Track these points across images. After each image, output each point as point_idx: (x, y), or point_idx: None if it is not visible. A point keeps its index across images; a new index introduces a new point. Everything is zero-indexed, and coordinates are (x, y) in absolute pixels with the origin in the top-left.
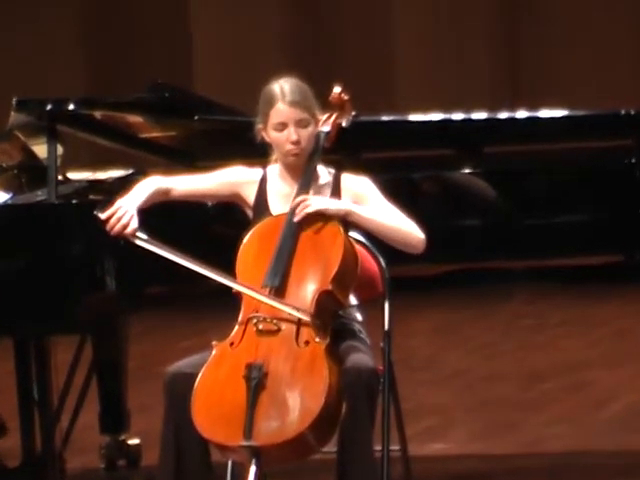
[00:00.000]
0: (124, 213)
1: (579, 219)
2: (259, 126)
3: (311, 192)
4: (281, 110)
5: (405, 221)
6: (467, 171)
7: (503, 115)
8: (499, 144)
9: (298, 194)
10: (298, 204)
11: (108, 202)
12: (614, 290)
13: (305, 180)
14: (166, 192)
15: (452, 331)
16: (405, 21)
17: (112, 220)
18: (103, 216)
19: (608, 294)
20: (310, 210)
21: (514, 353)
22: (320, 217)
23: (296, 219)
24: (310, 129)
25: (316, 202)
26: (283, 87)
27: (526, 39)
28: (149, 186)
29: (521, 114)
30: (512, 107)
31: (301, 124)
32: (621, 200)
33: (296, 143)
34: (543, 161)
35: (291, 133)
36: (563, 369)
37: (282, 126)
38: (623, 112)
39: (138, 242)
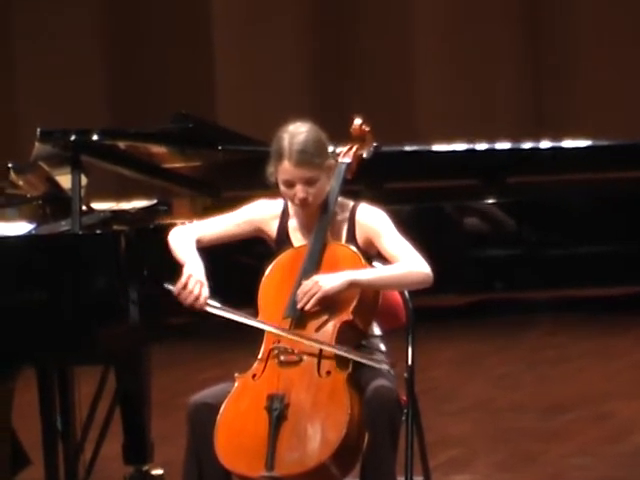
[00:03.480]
0: (195, 284)
1: (601, 250)
2: (271, 170)
3: (328, 233)
4: (287, 170)
5: (411, 263)
6: (490, 201)
7: (527, 145)
8: (523, 174)
9: (316, 235)
10: (305, 292)
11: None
12: (635, 321)
13: (323, 221)
14: (198, 242)
15: (474, 362)
16: (427, 51)
17: (184, 292)
18: (175, 290)
19: (629, 325)
20: (318, 297)
21: (536, 384)
22: (339, 247)
23: (306, 307)
24: (319, 184)
25: (322, 286)
26: (292, 143)
27: (550, 67)
28: (190, 243)
29: (545, 144)
30: (536, 137)
31: (309, 182)
32: None
33: (303, 200)
34: (565, 191)
35: (298, 191)
36: (585, 400)
37: (289, 184)
38: None
39: (210, 310)
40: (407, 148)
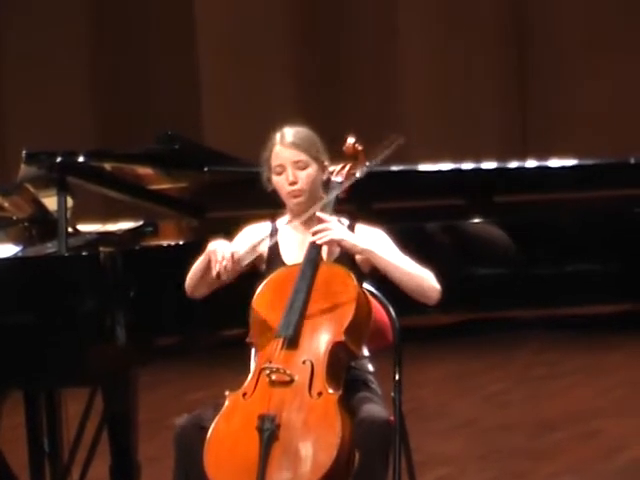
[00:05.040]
0: (221, 252)
1: (590, 268)
2: (266, 175)
3: (322, 251)
4: (278, 152)
5: (421, 270)
6: (477, 220)
7: (513, 164)
8: (509, 193)
9: (309, 253)
10: (320, 230)
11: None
12: (625, 338)
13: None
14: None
15: (463, 381)
16: (412, 69)
17: (220, 267)
18: (214, 272)
19: (619, 343)
20: (331, 237)
21: (525, 402)
22: (332, 267)
23: (318, 241)
24: (310, 171)
25: (337, 231)
26: (283, 131)
27: (535, 86)
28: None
29: (531, 163)
30: (522, 156)
31: (298, 165)
32: (631, 249)
33: (293, 184)
34: (553, 210)
35: (288, 175)
36: (574, 418)
37: (281, 168)
38: (633, 161)
39: (246, 262)
40: (393, 168)
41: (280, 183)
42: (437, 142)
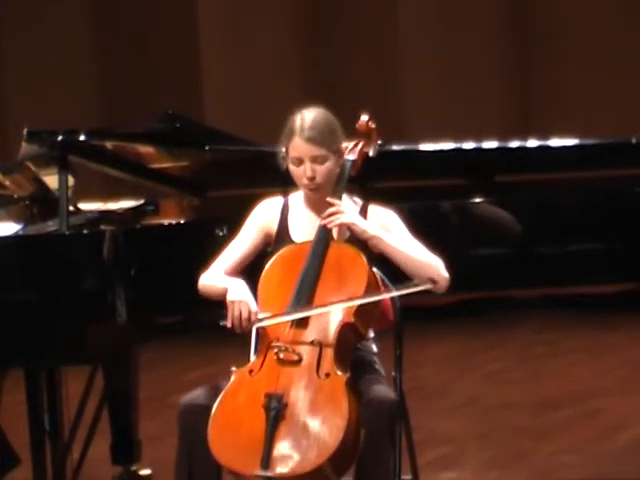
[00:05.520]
0: (239, 307)
1: (590, 248)
2: (282, 155)
3: (333, 231)
4: (297, 146)
5: (431, 258)
6: (478, 200)
7: (514, 144)
8: (510, 173)
9: (320, 232)
10: (331, 213)
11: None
12: (626, 318)
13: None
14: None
15: (463, 359)
16: (414, 49)
17: (236, 322)
18: (229, 324)
19: (620, 322)
20: (342, 221)
21: (526, 381)
22: (343, 246)
23: (328, 226)
24: (328, 164)
25: (347, 215)
26: (303, 120)
27: (538, 66)
28: (219, 274)
29: (532, 143)
30: (524, 135)
31: (317, 160)
32: (631, 228)
33: (311, 179)
34: (554, 190)
35: (306, 169)
36: (575, 397)
37: (298, 161)
38: (634, 141)
39: (262, 325)
40: (394, 147)
41: (297, 174)
42: (438, 121)
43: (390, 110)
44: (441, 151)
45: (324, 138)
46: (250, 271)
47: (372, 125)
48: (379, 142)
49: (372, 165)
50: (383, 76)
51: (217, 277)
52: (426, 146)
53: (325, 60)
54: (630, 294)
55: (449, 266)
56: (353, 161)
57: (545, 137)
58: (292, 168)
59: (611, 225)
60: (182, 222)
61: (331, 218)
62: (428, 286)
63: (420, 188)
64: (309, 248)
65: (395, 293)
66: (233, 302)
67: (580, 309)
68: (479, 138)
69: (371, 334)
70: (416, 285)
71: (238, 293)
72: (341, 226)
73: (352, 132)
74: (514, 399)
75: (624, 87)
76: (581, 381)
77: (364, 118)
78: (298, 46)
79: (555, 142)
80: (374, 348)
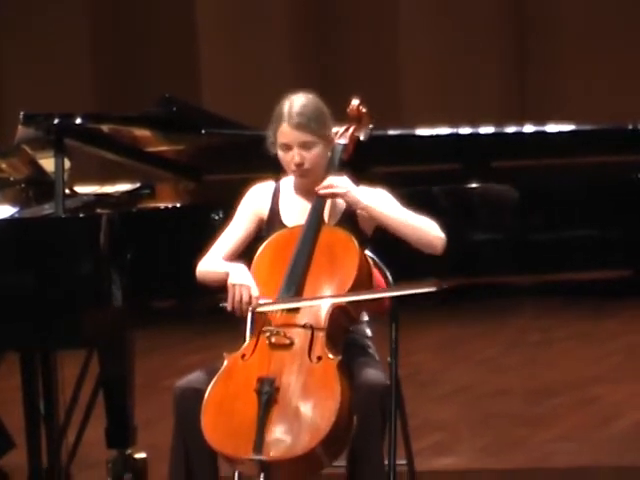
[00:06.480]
0: (240, 291)
1: (587, 234)
2: (271, 140)
3: (327, 205)
4: (285, 132)
5: (425, 221)
6: (474, 185)
7: (511, 129)
8: (506, 158)
9: (311, 216)
10: (326, 186)
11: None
12: (622, 305)
13: (318, 202)
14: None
15: (458, 346)
16: (413, 36)
17: (236, 306)
18: (229, 307)
19: (616, 309)
20: (336, 190)
21: (521, 368)
22: (334, 230)
23: (321, 192)
24: (316, 150)
25: (342, 185)
26: (291, 107)
27: (535, 52)
28: (217, 259)
29: (528, 128)
30: (520, 121)
31: (305, 147)
32: (629, 215)
33: (299, 166)
34: (550, 175)
35: (294, 155)
36: (570, 384)
37: (286, 147)
38: (630, 126)
39: (262, 310)
40: (391, 132)
41: (286, 160)
42: (435, 106)
43: (387, 95)
44: (437, 136)
45: (312, 124)
46: (244, 255)
47: (363, 109)
48: (371, 126)
49: (367, 150)
50: (381, 63)
51: (216, 262)
52: (422, 131)
53: (323, 50)
54: (625, 281)
55: (444, 251)
56: (344, 145)
57: (541, 123)
58: (280, 154)
59: (607, 211)
60: (178, 206)
61: (327, 189)
62: (432, 289)
63: (415, 173)
64: (300, 232)
65: (395, 293)
66: (234, 285)
67: (575, 296)
68: (475, 123)
69: (365, 317)
70: (419, 287)
71: (240, 277)
72: (335, 196)
73: (343, 116)
74: (509, 386)
75: (622, 77)
76: (576, 368)
77: (355, 102)
78: (296, 34)
79: (551, 127)
80: (368, 332)
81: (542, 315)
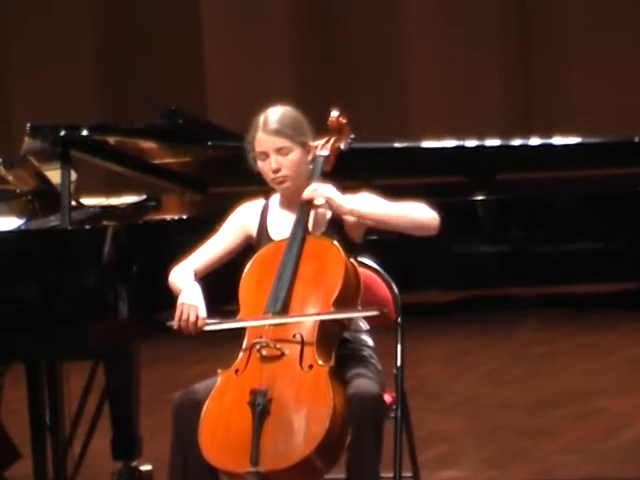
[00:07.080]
0: (188, 311)
1: (591, 247)
2: (252, 155)
3: (311, 215)
4: (260, 139)
5: (413, 206)
6: (479, 198)
7: (516, 142)
8: (512, 171)
9: (295, 227)
10: (315, 189)
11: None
12: (626, 317)
13: (302, 213)
14: (196, 274)
15: (463, 358)
16: (419, 47)
17: (183, 323)
18: (175, 325)
19: (619, 321)
20: (320, 194)
21: (525, 380)
22: (320, 239)
23: (305, 197)
24: (293, 156)
25: (325, 190)
26: (266, 116)
27: (541, 64)
28: (185, 271)
29: (534, 141)
30: (526, 133)
31: (281, 152)
32: (633, 227)
33: (276, 171)
34: (555, 188)
35: (271, 162)
36: (574, 396)
37: (264, 155)
38: (637, 139)
39: (210, 329)
40: (397, 145)
41: (264, 169)
42: (440, 119)
43: (393, 107)
44: (442, 149)
45: (287, 130)
46: (231, 273)
47: (343, 120)
48: (352, 136)
49: (371, 162)
50: (383, 62)
51: (181, 275)
52: (427, 144)
53: (328, 53)
54: (629, 293)
55: (447, 265)
56: (326, 157)
57: (547, 135)
58: (260, 165)
59: (611, 224)
60: (184, 218)
61: (310, 194)
62: (375, 313)
63: (420, 186)
64: (285, 245)
65: (341, 315)
66: (183, 304)
67: (579, 308)
68: (481, 136)
69: (364, 326)
70: (364, 311)
71: (189, 297)
72: (319, 204)
73: (349, 115)
74: (513, 398)
75: (626, 85)
76: (581, 380)
77: (334, 114)
78: (301, 38)
79: (557, 140)
80: (369, 341)
81: (546, 327)
